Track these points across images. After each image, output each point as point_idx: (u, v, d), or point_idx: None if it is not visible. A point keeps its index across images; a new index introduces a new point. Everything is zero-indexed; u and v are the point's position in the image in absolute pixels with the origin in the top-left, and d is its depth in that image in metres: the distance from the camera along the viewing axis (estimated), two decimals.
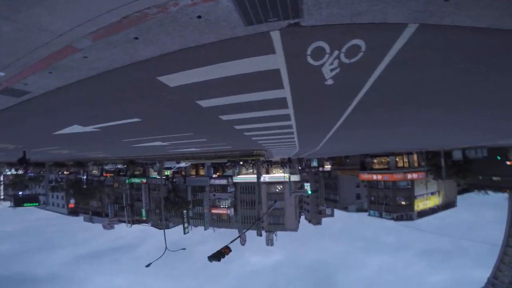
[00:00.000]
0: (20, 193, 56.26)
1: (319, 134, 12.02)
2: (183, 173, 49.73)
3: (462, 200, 47.67)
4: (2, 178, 68.30)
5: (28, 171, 58.78)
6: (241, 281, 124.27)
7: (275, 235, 47.43)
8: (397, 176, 41.33)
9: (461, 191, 47.27)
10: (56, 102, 6.67)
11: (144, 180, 51.60)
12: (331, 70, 4.77)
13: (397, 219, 43.12)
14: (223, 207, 49.25)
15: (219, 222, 50.01)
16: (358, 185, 50.85)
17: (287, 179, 43.30)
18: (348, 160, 48.16)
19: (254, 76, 5.13)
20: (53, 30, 3.42)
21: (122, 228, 57.38)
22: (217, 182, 49.06)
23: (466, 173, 38.06)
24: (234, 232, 42.24)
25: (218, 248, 16.99)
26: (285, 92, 6.03)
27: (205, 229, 49.71)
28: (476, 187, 43.29)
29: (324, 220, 63.30)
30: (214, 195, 49.38)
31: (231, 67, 4.80)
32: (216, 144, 15.74)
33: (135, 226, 55.62)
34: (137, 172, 53.88)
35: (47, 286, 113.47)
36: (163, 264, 23.45)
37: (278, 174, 47.23)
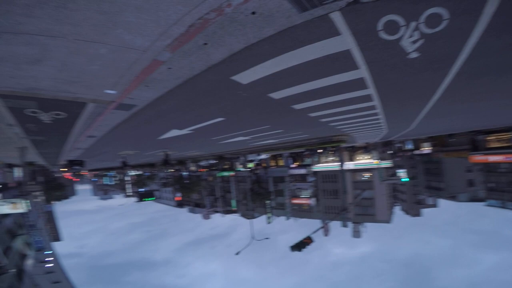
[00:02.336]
0: (141, 189, 69.79)
1: (412, 112, 10.40)
2: (264, 164, 52.01)
3: None
4: (129, 178, 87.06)
5: (146, 171, 73.05)
6: (322, 271, 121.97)
7: (364, 226, 44.16)
8: None
9: None
10: (156, 111, 7.94)
11: (232, 173, 56.41)
12: (413, 42, 4.24)
13: None
14: (303, 197, 48.99)
15: (300, 212, 49.88)
16: (470, 169, 41.64)
17: (376, 166, 39.35)
18: (453, 140, 39.63)
19: (323, 61, 4.90)
20: (137, 48, 3.97)
21: (217, 218, 64.52)
22: (296, 172, 49.03)
23: None
24: (316, 223, 41.42)
25: (299, 238, 17.11)
26: (362, 72, 5.53)
27: (286, 219, 50.68)
28: None
29: (425, 211, 55.00)
30: (294, 185, 49.68)
31: (297, 56, 4.69)
32: (292, 133, 15.73)
33: (228, 216, 61.70)
34: (225, 166, 59.43)
35: (162, 270, 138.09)
36: (250, 252, 25.28)
37: (365, 161, 43.33)
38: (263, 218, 51.35)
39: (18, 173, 33.58)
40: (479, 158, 36.36)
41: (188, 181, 63.82)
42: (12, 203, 16.65)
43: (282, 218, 51.58)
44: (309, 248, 16.89)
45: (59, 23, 3.12)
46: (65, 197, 66.00)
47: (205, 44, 4.09)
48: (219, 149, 27.65)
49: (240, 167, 54.51)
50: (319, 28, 3.90)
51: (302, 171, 48.23)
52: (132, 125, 9.77)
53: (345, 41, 4.25)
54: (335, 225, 42.84)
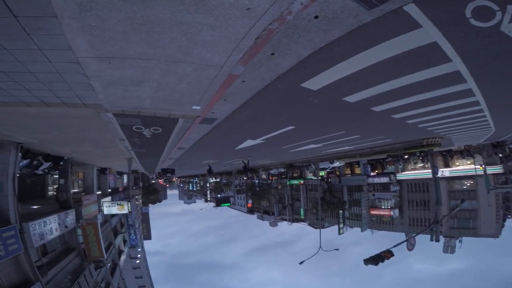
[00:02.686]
0: (219, 196, 75.51)
1: None
2: (337, 173, 49.20)
3: None
4: (208, 185, 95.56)
5: (223, 179, 78.89)
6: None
7: (460, 241, 36.64)
8: None
9: None
10: (233, 123, 8.56)
11: (302, 181, 55.45)
12: None
13: None
14: (384, 208, 44.00)
15: (379, 224, 45.22)
16: None
17: (480, 172, 32.26)
18: None
19: (404, 57, 4.39)
20: (216, 64, 4.30)
21: (283, 226, 64.10)
22: (376, 180, 44.50)
23: None
24: (396, 236, 36.91)
25: (375, 251, 15.49)
26: (455, 65, 4.73)
27: (361, 231, 46.36)
28: None
29: None
30: (373, 194, 45.14)
31: (372, 55, 4.33)
32: (371, 139, 14.47)
33: (294, 224, 60.51)
34: (295, 174, 58.95)
35: (228, 273, 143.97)
36: (314, 262, 23.92)
37: (464, 166, 36.12)
38: (333, 228, 48.59)
39: (125, 179, 41.14)
40: None
41: (258, 189, 65.88)
42: (119, 204, 20.40)
43: (356, 229, 47.52)
44: (384, 262, 15.19)
45: (151, 47, 3.66)
46: (159, 200, 76.60)
47: (272, 54, 4.16)
48: (289, 157, 27.66)
49: (310, 175, 53.08)
50: (394, 23, 3.53)
51: (383, 179, 43.49)
52: (213, 137, 10.80)
53: (428, 33, 3.72)
54: (421, 239, 36.89)
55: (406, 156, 34.63)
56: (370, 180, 44.78)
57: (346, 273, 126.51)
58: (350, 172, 48.58)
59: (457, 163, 37.35)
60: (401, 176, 42.11)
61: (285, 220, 61.88)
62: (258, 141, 12.03)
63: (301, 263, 24.31)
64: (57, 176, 16.56)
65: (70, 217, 14.71)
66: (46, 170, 14.19)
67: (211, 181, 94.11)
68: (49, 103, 5.58)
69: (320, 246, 26.77)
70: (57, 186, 16.58)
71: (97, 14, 2.82)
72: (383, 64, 4.65)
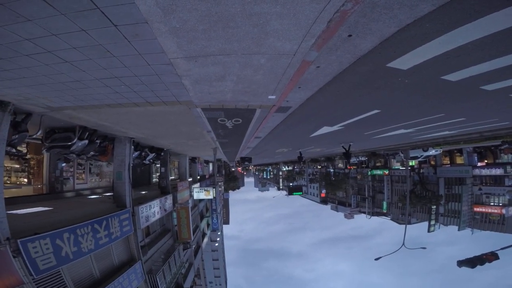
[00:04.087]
0: (291, 184, 75.79)
1: None
2: (432, 162, 42.30)
3: None
4: (281, 173, 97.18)
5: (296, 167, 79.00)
6: None
7: None
8: None
9: None
10: (308, 110, 8.33)
11: (386, 172, 50.13)
12: None
13: None
14: (493, 205, 35.65)
15: (484, 223, 37.18)
16: None
17: None
18: None
19: None
20: (288, 52, 4.21)
21: (361, 219, 59.47)
22: (486, 172, 36.27)
23: None
24: (506, 237, 31.12)
25: (472, 252, 12.90)
26: None
27: (459, 229, 38.64)
28: None
29: None
30: (480, 189, 36.99)
31: (478, 28, 3.54)
32: (480, 122, 11.79)
33: (374, 218, 55.39)
34: (378, 164, 53.78)
35: (294, 261, 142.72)
36: (393, 259, 21.29)
37: None
38: (422, 225, 42.70)
39: (210, 167, 45.85)
40: None
41: (334, 178, 62.91)
42: (206, 190, 22.83)
43: (452, 227, 40.15)
44: (483, 266, 12.47)
45: (229, 42, 3.80)
46: (237, 187, 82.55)
47: (350, 36, 3.82)
48: (371, 144, 25.32)
49: (397, 165, 47.40)
50: None
51: (496, 171, 35.15)
52: (287, 126, 10.82)
53: None
54: None
55: None
56: (477, 171, 36.86)
57: (429, 274, 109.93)
58: (449, 162, 41.05)
59: None
60: None
61: (363, 212, 57.65)
62: (336, 127, 11.39)
63: (377, 259, 22.60)
64: (159, 165, 19.67)
65: (169, 201, 16.56)
66: (151, 160, 17.03)
67: (284, 169, 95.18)
68: (152, 102, 6.59)
69: (404, 243, 24.12)
70: (158, 174, 19.68)
71: (179, 16, 3.09)
72: (493, 37, 3.76)
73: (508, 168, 34.07)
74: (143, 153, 15.30)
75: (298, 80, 5.56)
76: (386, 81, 5.75)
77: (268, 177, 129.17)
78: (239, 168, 73.95)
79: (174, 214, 18.81)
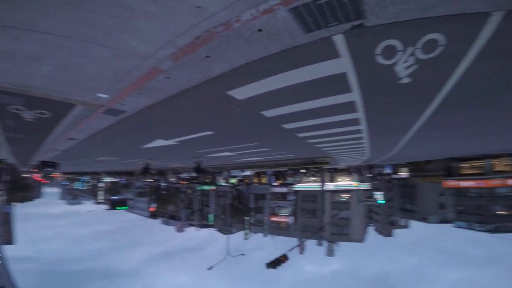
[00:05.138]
0: (114, 197, 66.49)
1: (395, 138, 10.91)
2: (247, 181, 51.59)
3: None
4: (102, 185, 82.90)
5: (122, 179, 70.04)
6: None
7: (338, 245, 44.70)
8: (495, 182, 34.22)
9: None
10: (144, 119, 7.78)
11: (213, 187, 55.29)
12: (406, 67, 4.42)
13: (493, 231, 36.02)
14: (282, 215, 48.88)
15: (278, 229, 49.37)
16: (442, 193, 43.95)
17: (354, 188, 40.38)
18: (430, 166, 41.97)
19: (319, 82, 5.06)
20: (141, 54, 3.98)
21: (191, 231, 61.94)
22: (278, 190, 49.10)
23: None
24: (292, 241, 41.49)
25: (275, 255, 17.21)
26: (354, 96, 5.76)
27: (264, 236, 50.07)
28: None
29: (396, 231, 56.58)
30: (274, 203, 49.52)
31: (295, 75, 4.81)
32: (278, 152, 15.89)
33: (203, 230, 59.57)
34: (207, 180, 58.20)
35: (128, 279, 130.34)
36: (223, 267, 24.56)
37: (345, 182, 44.42)
38: (240, 234, 50.33)
39: None
40: (451, 183, 38.76)
41: (165, 193, 61.68)
42: None
43: (260, 235, 50.83)
44: (283, 265, 16.97)
45: (72, 23, 3.11)
46: (29, 199, 61.40)
47: (208, 56, 4.10)
48: (207, 162, 27.23)
49: (222, 182, 53.67)
50: (320, 49, 4.01)
51: (284, 189, 48.39)
52: (117, 131, 9.48)
53: (343, 64, 4.38)
54: (310, 243, 43.09)
55: (303, 170, 39.88)
56: (273, 189, 49.04)
57: (252, 277, 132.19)
58: (258, 181, 51.86)
59: (340, 179, 45.56)
60: (298, 187, 47.82)
61: (193, 225, 59.88)
62: (171, 142, 11.33)
63: (209, 268, 24.14)
64: None
65: None
66: None
67: (107, 180, 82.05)
68: None
69: (227, 252, 27.30)
70: None
71: None
72: (302, 85, 5.17)
73: (290, 187, 47.98)
74: None
75: (142, 85, 5.18)
76: (223, 106, 6.43)
77: (84, 188, 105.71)
78: (37, 175, 55.30)
79: None
